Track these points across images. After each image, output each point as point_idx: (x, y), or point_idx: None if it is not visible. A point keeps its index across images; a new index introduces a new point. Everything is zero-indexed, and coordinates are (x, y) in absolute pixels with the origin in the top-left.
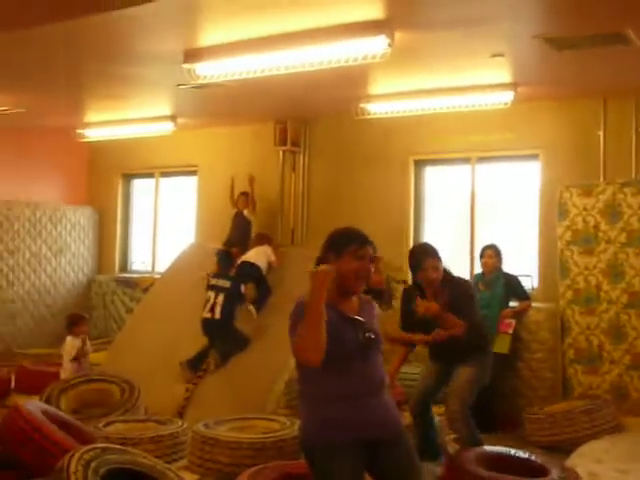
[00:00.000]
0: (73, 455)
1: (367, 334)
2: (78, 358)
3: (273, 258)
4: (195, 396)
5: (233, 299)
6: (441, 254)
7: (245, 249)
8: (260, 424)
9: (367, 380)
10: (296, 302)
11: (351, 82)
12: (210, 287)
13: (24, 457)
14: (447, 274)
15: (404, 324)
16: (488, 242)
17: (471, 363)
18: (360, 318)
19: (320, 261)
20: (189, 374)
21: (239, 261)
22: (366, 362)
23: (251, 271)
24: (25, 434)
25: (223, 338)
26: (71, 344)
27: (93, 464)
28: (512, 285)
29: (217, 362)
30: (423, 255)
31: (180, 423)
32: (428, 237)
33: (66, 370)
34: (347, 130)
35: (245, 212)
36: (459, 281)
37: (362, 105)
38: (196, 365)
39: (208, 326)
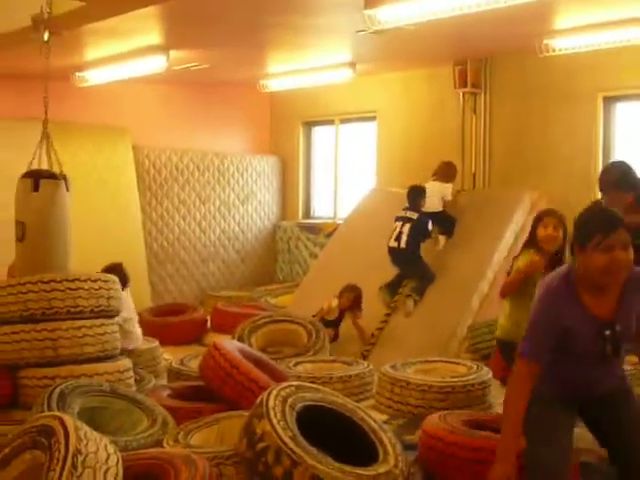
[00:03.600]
0: (271, 391)
1: (614, 342)
2: None
3: (449, 198)
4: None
5: (419, 231)
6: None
7: None
8: (445, 367)
9: (598, 380)
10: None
11: (534, 17)
12: (397, 219)
13: (224, 392)
14: None
15: None
16: None
17: None
18: (608, 321)
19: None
20: (387, 298)
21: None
22: (604, 363)
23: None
24: (224, 371)
25: (410, 268)
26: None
27: (289, 400)
28: None
29: (415, 299)
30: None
31: (366, 364)
32: None
33: None
34: (530, 68)
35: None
36: None
37: (546, 41)
38: (394, 289)
39: (394, 255)
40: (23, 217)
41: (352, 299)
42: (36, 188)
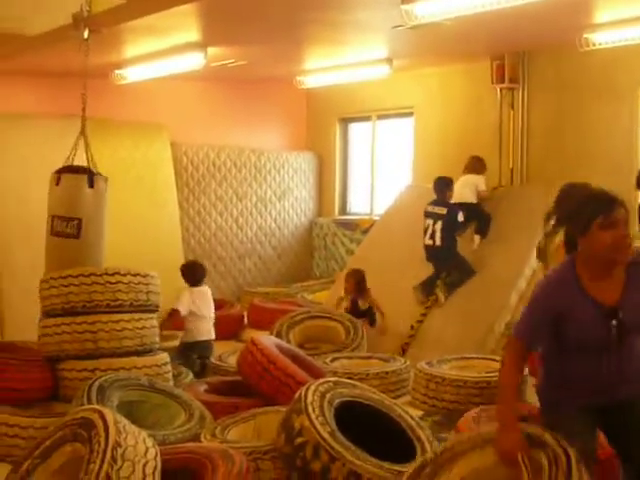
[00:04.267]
0: (309, 387)
1: (622, 327)
2: None
3: (483, 188)
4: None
5: (451, 225)
6: None
7: None
8: (480, 363)
9: (617, 372)
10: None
11: (574, 11)
12: (427, 214)
13: (261, 387)
14: None
15: None
16: None
17: None
18: (613, 306)
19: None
20: (421, 297)
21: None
22: (619, 353)
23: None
24: (262, 366)
25: (447, 265)
26: None
27: (328, 396)
28: None
29: (445, 294)
30: None
31: (403, 360)
32: None
33: None
34: (569, 63)
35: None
36: None
37: (586, 35)
38: (428, 288)
39: (430, 253)
40: (79, 214)
41: (354, 284)
42: (91, 184)
